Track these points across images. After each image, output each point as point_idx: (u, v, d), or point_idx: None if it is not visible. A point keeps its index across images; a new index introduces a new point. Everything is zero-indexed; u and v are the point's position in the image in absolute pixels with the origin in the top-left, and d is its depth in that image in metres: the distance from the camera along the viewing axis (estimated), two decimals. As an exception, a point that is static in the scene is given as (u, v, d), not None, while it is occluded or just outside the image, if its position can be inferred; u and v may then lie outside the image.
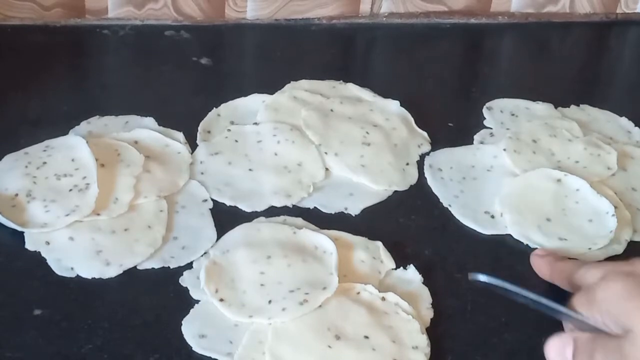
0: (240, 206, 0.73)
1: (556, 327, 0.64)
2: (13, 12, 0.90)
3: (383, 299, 0.65)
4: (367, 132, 0.80)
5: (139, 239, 0.69)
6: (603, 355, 0.56)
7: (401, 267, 0.69)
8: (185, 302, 0.65)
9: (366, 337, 0.62)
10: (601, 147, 0.80)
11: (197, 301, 0.65)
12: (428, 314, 0.65)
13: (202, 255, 0.68)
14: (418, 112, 0.83)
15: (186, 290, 0.66)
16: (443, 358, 0.63)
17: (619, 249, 0.72)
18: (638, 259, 0.60)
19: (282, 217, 0.72)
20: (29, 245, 0.68)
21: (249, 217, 0.72)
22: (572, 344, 0.57)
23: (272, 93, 0.83)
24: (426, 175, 0.78)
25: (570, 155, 0.79)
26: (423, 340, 0.63)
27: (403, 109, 0.83)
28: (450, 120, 0.85)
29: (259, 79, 0.89)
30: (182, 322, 0.63)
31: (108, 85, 0.86)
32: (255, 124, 0.80)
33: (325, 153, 0.78)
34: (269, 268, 0.66)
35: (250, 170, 0.76)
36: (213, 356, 0.61)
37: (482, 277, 0.59)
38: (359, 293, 0.65)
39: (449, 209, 0.75)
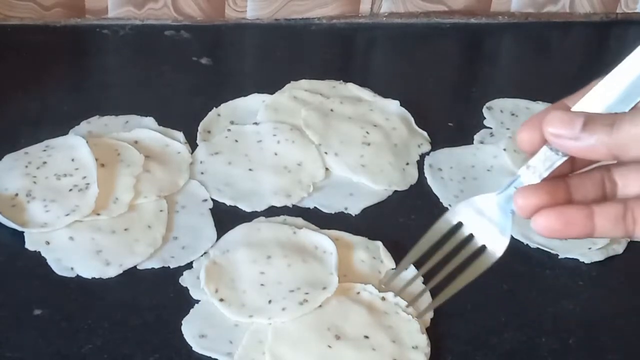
0: (240, 206, 0.73)
1: (555, 327, 0.64)
2: (13, 12, 0.90)
3: (383, 298, 0.65)
4: (367, 132, 0.80)
5: (139, 239, 0.69)
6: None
7: (401, 267, 0.68)
8: (185, 302, 0.65)
9: (366, 337, 0.62)
10: (601, 147, 0.80)
11: (197, 301, 0.65)
12: (428, 314, 0.65)
13: (202, 255, 0.68)
14: (418, 112, 0.83)
15: (186, 290, 0.66)
16: (443, 358, 0.63)
17: (619, 249, 0.72)
18: None
19: (282, 217, 0.72)
20: (29, 245, 0.68)
21: (249, 217, 0.72)
22: (582, 117, 0.45)
23: (272, 93, 0.83)
24: (426, 175, 0.78)
25: (570, 155, 0.79)
26: (423, 340, 0.63)
27: (403, 109, 0.83)
28: (450, 120, 0.85)
29: (259, 79, 0.89)
30: (182, 322, 0.63)
31: (108, 85, 0.86)
32: (255, 123, 0.80)
33: (325, 153, 0.78)
34: (269, 268, 0.66)
35: (250, 170, 0.76)
36: (213, 356, 0.61)
37: None
38: (359, 293, 0.65)
39: (449, 208, 0.75)
